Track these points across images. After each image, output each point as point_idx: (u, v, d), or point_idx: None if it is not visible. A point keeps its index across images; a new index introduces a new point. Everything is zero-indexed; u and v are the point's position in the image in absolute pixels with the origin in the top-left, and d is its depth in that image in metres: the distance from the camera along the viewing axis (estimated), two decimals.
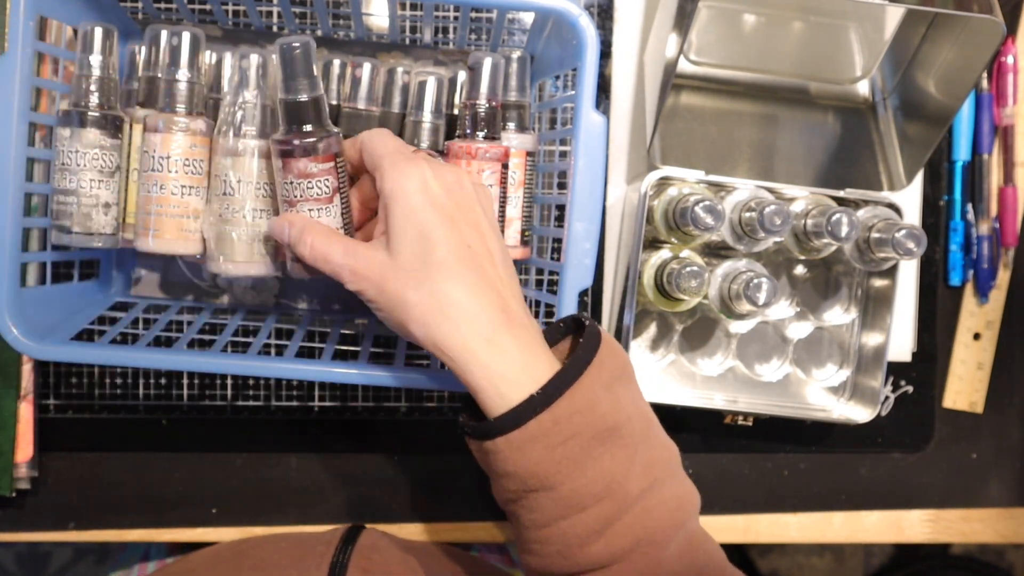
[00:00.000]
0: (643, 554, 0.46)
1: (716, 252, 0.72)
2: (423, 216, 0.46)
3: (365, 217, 0.56)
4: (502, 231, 0.61)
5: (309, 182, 0.53)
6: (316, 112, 0.53)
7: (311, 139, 0.52)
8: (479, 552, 0.78)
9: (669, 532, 0.47)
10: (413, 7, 0.69)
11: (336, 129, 0.54)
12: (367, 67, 0.63)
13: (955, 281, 0.78)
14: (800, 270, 0.75)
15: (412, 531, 0.74)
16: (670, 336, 0.74)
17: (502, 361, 0.45)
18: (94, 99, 0.57)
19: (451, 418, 0.73)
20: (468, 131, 0.60)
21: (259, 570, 0.59)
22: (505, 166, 0.60)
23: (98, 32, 0.57)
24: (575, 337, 0.51)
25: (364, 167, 0.52)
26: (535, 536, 0.47)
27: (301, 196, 0.53)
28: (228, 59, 0.63)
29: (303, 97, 0.52)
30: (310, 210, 0.53)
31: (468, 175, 0.50)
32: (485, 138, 0.60)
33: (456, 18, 0.70)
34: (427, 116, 0.62)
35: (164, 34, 0.59)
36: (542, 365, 0.46)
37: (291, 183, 0.53)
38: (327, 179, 0.53)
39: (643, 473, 0.47)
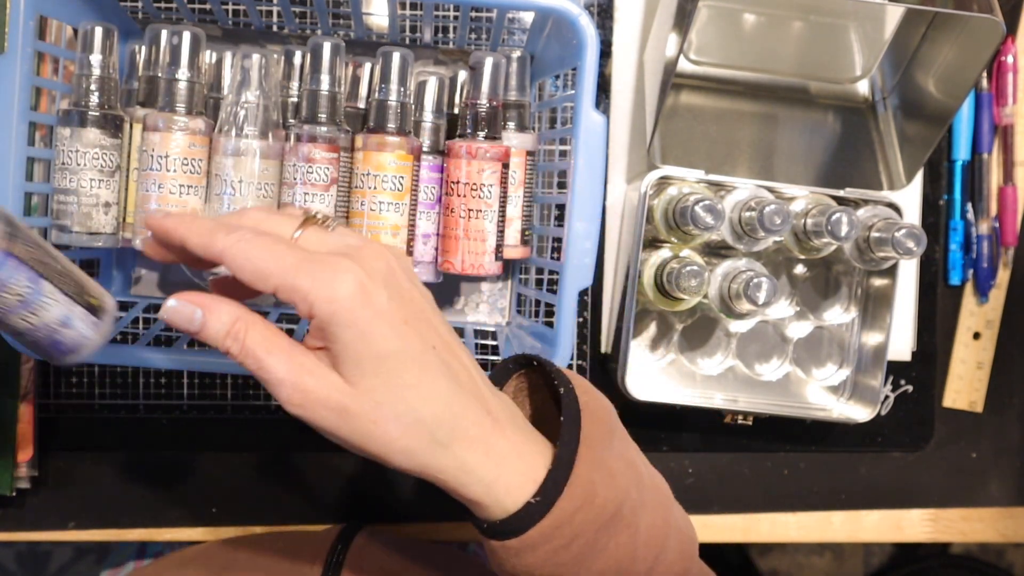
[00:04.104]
0: None
1: (716, 252, 0.72)
2: (378, 334, 0.38)
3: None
4: (503, 231, 0.61)
5: (309, 167, 0.57)
6: (331, 106, 0.58)
7: (321, 127, 0.57)
8: (474, 550, 0.78)
9: None
10: (413, 7, 0.69)
11: (347, 128, 0.58)
12: (367, 67, 0.63)
13: (955, 280, 0.78)
14: (800, 270, 0.75)
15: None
16: (670, 336, 0.74)
17: (500, 471, 0.41)
18: (94, 99, 0.57)
19: None
20: (469, 131, 0.60)
21: (253, 565, 0.59)
22: (506, 166, 0.60)
23: (98, 32, 0.57)
24: (527, 375, 0.49)
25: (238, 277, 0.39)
26: None
27: (301, 180, 0.57)
28: (228, 59, 0.63)
29: (323, 90, 0.58)
30: (306, 194, 0.57)
31: (384, 249, 0.41)
32: (486, 138, 0.60)
33: (456, 18, 0.70)
34: (428, 116, 0.62)
35: (164, 34, 0.59)
36: (535, 460, 0.42)
37: (294, 166, 0.57)
38: (327, 168, 0.57)
39: (647, 545, 0.44)
